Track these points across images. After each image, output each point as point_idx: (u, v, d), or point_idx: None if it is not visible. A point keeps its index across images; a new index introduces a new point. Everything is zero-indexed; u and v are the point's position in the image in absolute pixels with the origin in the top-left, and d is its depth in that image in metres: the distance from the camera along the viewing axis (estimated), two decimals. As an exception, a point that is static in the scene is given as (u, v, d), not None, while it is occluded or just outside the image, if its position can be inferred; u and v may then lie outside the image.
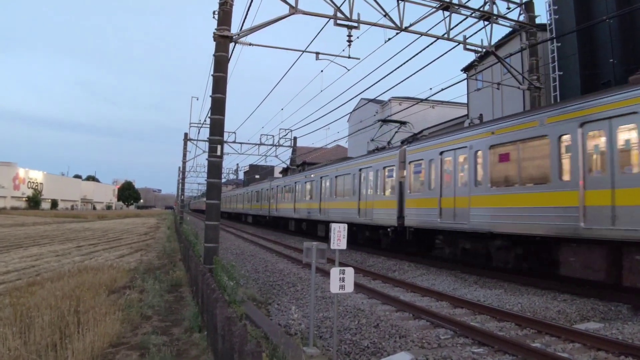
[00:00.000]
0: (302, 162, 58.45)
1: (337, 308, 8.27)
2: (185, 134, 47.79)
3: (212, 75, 13.33)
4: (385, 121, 27.18)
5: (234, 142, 44.82)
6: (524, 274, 14.77)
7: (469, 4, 17.57)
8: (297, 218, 36.41)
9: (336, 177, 27.72)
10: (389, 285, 14.61)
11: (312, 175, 32.69)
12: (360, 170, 24.23)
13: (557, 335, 8.72)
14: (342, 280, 7.58)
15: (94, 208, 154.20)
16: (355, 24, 16.22)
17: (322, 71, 22.77)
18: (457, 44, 18.17)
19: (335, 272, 7.59)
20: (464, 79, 31.70)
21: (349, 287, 7.70)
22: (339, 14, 15.95)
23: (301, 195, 34.99)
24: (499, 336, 8.54)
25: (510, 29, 20.55)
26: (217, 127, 13.20)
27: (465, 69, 32.11)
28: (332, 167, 29.22)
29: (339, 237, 7.94)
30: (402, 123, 25.96)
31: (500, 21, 18.50)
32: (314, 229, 32.32)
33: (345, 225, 8.14)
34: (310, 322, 7.97)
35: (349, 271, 7.69)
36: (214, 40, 13.66)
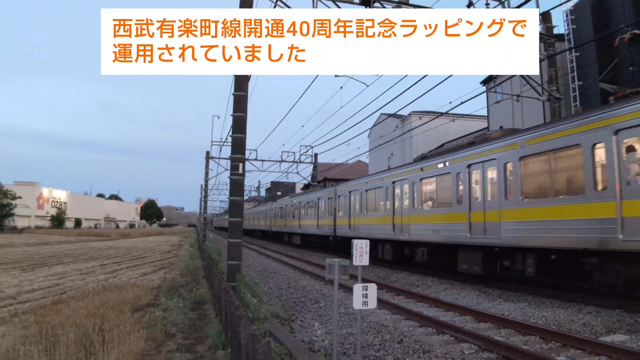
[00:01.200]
0: (324, 178, 58.54)
1: (360, 324, 8.26)
2: (207, 153, 48.32)
3: (232, 94, 13.46)
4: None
5: (256, 159, 45.06)
6: (548, 286, 14.62)
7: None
8: (398, 240, 22.11)
9: (522, 159, 14.53)
10: (412, 300, 14.53)
11: (442, 165, 18.74)
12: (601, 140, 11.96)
13: (582, 349, 8.62)
14: (365, 297, 7.59)
15: (117, 226, 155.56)
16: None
17: (341, 87, 22.89)
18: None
19: (358, 288, 7.60)
20: (484, 92, 31.61)
21: (372, 303, 7.70)
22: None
23: (411, 201, 20.95)
24: (524, 350, 8.46)
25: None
26: (238, 145, 13.31)
27: (484, 82, 32.04)
28: (502, 142, 15.55)
29: (361, 253, 7.95)
30: None
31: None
32: (449, 259, 18.22)
33: (368, 242, 8.11)
34: (333, 339, 7.97)
35: (372, 287, 7.70)
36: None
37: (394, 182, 22.57)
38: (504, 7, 17.76)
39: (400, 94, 18.74)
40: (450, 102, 21.90)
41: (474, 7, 17.46)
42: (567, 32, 24.06)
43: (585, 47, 22.57)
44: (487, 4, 18.13)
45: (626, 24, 17.99)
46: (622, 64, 21.67)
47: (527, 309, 12.32)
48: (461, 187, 17.19)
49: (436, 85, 16.69)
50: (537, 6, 19.39)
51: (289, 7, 15.44)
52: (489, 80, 31.24)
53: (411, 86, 17.84)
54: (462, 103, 22.17)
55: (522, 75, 19.67)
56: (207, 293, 14.81)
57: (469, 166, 16.80)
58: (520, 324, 10.44)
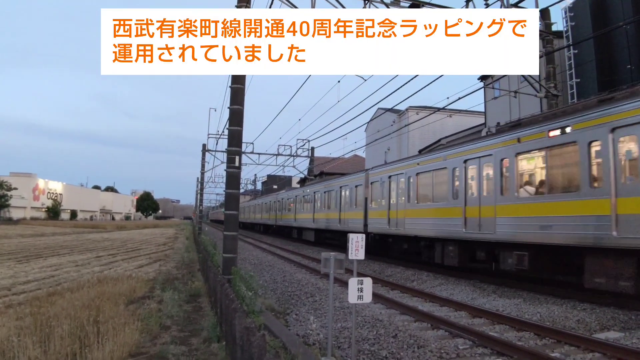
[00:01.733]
0: (320, 172, 58.50)
1: (355, 318, 8.26)
2: (204, 145, 48.08)
3: (230, 86, 13.41)
4: None
5: (252, 152, 44.93)
6: (542, 282, 14.64)
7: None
8: (472, 240, 16.53)
9: None
10: (407, 295, 14.55)
11: (559, 132, 13.19)
12: None
13: (576, 345, 8.64)
14: (360, 291, 7.57)
15: (113, 218, 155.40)
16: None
17: (339, 81, 22.84)
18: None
19: (353, 282, 7.59)
20: (481, 88, 31.60)
21: (367, 297, 7.70)
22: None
23: (498, 187, 15.32)
24: (518, 346, 8.48)
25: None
26: (235, 138, 13.26)
27: (482, 78, 31.98)
28: None
29: (356, 247, 7.94)
30: None
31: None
32: (564, 267, 13.98)
33: (363, 236, 8.11)
34: (328, 333, 7.97)
35: (367, 281, 7.69)
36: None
37: (466, 161, 17.09)
38: (503, 4, 17.73)
39: (397, 89, 18.77)
40: (448, 98, 21.61)
41: (472, 3, 17.44)
42: (565, 29, 24.02)
43: (583, 44, 22.55)
44: (487, 1, 18.08)
45: (625, 21, 17.98)
46: (621, 63, 21.70)
47: (522, 305, 12.34)
48: (596, 162, 11.96)
49: (433, 81, 16.65)
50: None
51: (295, 7, 15.41)
52: (486, 77, 31.18)
53: (408, 81, 17.81)
54: (459, 99, 22.02)
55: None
56: (202, 286, 14.80)
57: (612, 130, 11.38)
58: (514, 320, 10.46)
